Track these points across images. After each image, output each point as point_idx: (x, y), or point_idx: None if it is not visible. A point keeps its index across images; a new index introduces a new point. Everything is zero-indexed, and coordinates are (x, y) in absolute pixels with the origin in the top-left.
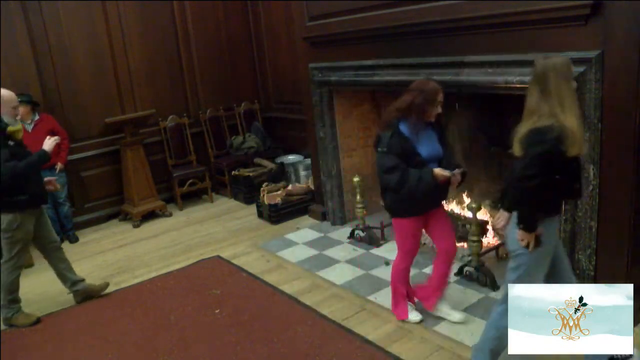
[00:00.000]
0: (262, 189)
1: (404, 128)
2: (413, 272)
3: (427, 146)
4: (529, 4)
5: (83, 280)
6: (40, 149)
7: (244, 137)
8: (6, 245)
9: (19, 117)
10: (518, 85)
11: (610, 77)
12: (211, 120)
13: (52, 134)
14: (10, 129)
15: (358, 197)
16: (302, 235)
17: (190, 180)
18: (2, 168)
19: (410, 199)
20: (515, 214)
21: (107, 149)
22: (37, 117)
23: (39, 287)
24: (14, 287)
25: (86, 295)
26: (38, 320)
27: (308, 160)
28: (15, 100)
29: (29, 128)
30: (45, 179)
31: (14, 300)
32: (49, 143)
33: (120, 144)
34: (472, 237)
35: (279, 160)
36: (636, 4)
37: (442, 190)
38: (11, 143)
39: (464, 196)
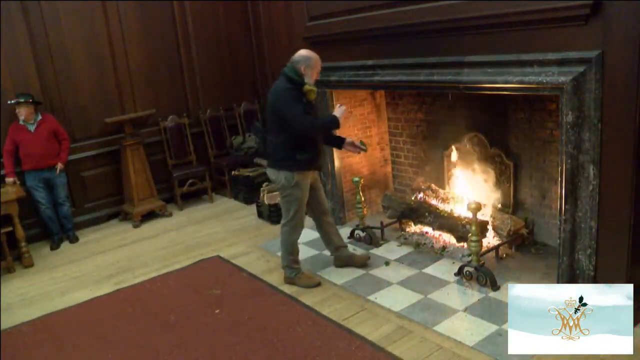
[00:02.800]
0: (262, 189)
1: None
2: (413, 272)
3: None
4: (529, 4)
5: (346, 246)
6: (331, 115)
7: (244, 137)
8: (284, 204)
9: (312, 79)
10: (518, 85)
11: (610, 77)
12: (211, 120)
13: (54, 134)
14: (306, 87)
15: (358, 197)
16: (302, 235)
17: (190, 180)
18: (303, 118)
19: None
20: None
21: (107, 149)
22: (39, 117)
23: (39, 287)
24: (294, 248)
25: (346, 262)
26: (319, 284)
27: None
28: (320, 65)
29: (32, 128)
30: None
31: (295, 261)
32: (340, 110)
33: (120, 144)
34: (472, 237)
35: None
36: (636, 4)
37: None
38: (304, 100)
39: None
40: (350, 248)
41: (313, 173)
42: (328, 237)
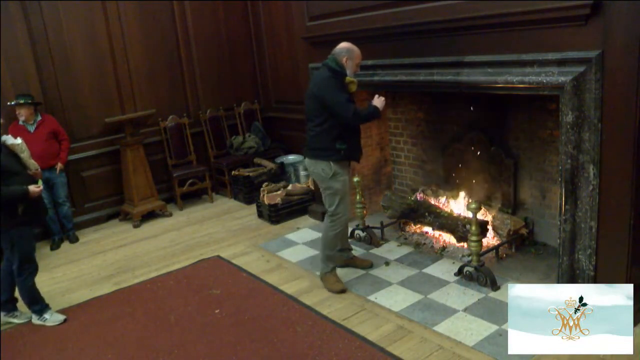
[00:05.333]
0: (262, 189)
1: None
2: (413, 272)
3: None
4: (528, 4)
5: (351, 249)
6: (371, 105)
7: (244, 137)
8: (326, 197)
9: (352, 72)
10: (518, 85)
11: (610, 77)
12: (211, 120)
13: (54, 134)
14: (348, 79)
15: (358, 197)
16: (302, 235)
17: (190, 180)
18: (348, 105)
19: None
20: None
21: (107, 149)
22: (39, 118)
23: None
24: (332, 243)
25: (346, 263)
26: (343, 291)
27: None
28: (360, 59)
29: (32, 129)
30: None
31: (330, 258)
32: (379, 101)
33: (120, 144)
34: (472, 237)
35: (279, 160)
36: (636, 4)
37: None
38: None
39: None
40: None
41: (349, 166)
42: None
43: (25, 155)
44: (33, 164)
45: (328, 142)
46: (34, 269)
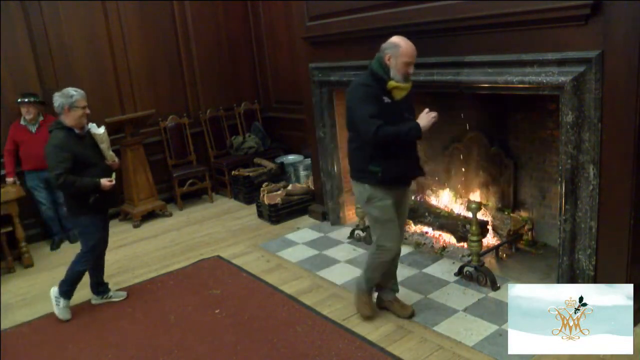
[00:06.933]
0: (262, 189)
1: None
2: (413, 272)
3: None
4: (529, 4)
5: (395, 290)
6: (412, 122)
7: (244, 137)
8: (369, 222)
9: (400, 73)
10: (518, 85)
11: (610, 77)
12: (211, 120)
13: None
14: (391, 83)
15: None
16: (302, 235)
17: (190, 180)
18: (368, 122)
19: None
20: None
21: None
22: (41, 119)
23: (39, 287)
24: (377, 269)
25: (385, 305)
26: (369, 318)
27: (308, 160)
28: (409, 56)
29: (33, 129)
30: None
31: (370, 280)
32: (427, 117)
33: (120, 144)
34: (472, 237)
35: (279, 160)
36: (636, 4)
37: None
38: (387, 100)
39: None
40: (350, 248)
41: (398, 190)
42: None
43: (104, 145)
44: (111, 155)
45: (362, 162)
46: (92, 258)
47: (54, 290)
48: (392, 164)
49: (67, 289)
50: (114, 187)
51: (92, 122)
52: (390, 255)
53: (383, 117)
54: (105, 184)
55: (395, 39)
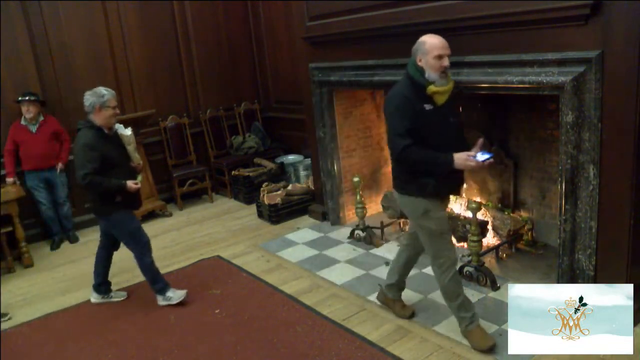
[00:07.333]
0: (262, 189)
1: None
2: (413, 272)
3: None
4: (529, 4)
5: (402, 289)
6: (447, 155)
7: (243, 137)
8: (422, 239)
9: (435, 72)
10: (518, 85)
11: (610, 77)
12: (211, 120)
13: (56, 135)
14: (431, 88)
15: (358, 197)
16: (302, 235)
17: (190, 180)
18: (397, 141)
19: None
20: None
21: None
22: (42, 118)
23: (39, 287)
24: (454, 291)
25: (385, 302)
26: (493, 347)
27: (308, 160)
28: (439, 49)
29: (34, 129)
30: None
31: (462, 307)
32: (464, 162)
33: None
34: (472, 237)
35: (279, 160)
36: (636, 4)
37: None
38: (428, 107)
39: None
40: (351, 248)
41: (447, 200)
42: (400, 271)
43: (131, 147)
44: (137, 158)
45: (409, 174)
46: (144, 245)
47: (160, 298)
48: (447, 174)
49: (159, 286)
50: (138, 190)
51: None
52: (452, 264)
53: (425, 126)
54: (131, 187)
55: (421, 38)
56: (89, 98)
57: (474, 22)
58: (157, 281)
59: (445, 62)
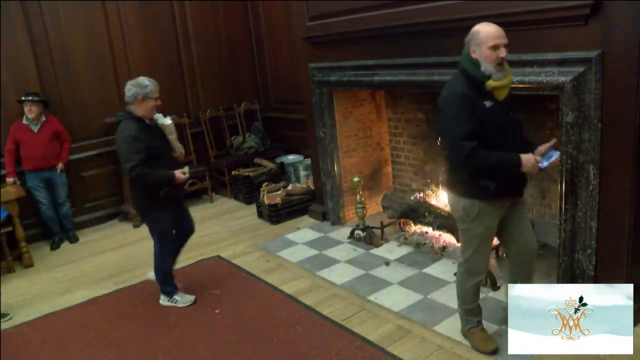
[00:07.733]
0: (262, 189)
1: None
2: (413, 272)
3: None
4: (528, 4)
5: None
6: (513, 156)
7: (243, 137)
8: (462, 239)
9: (490, 64)
10: (518, 85)
11: (610, 77)
12: (211, 120)
13: (57, 135)
14: (490, 84)
15: (358, 197)
16: (302, 235)
17: (190, 180)
18: (459, 145)
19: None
20: None
21: (107, 149)
22: (43, 119)
23: (39, 287)
24: (470, 296)
25: None
26: (495, 351)
27: (308, 160)
28: (493, 39)
29: (36, 129)
30: None
31: (471, 312)
32: (532, 165)
33: None
34: None
35: (279, 160)
36: (636, 4)
37: None
38: (489, 104)
39: None
40: (351, 248)
41: (509, 202)
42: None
43: (173, 137)
44: (179, 147)
45: (466, 176)
46: (167, 251)
47: (163, 298)
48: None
49: (169, 289)
50: (183, 182)
51: (91, 122)
52: (481, 276)
53: (487, 125)
54: (180, 177)
55: (475, 27)
56: (131, 88)
57: (474, 22)
58: (167, 284)
59: (502, 52)
